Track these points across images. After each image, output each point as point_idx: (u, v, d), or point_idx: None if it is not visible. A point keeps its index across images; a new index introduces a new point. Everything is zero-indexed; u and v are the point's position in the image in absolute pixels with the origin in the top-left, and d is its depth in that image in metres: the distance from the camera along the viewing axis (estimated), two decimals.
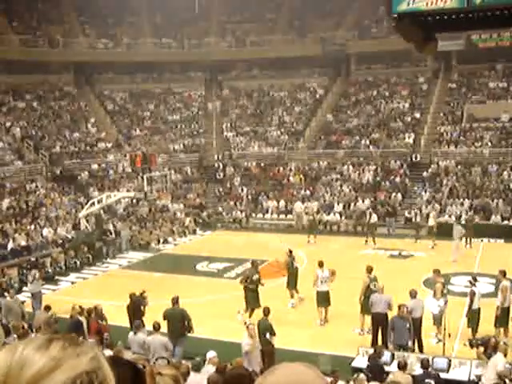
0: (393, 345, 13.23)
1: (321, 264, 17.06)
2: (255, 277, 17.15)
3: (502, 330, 14.51)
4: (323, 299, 16.78)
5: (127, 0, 48.87)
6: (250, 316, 16.31)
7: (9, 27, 42.75)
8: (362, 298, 15.62)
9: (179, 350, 13.47)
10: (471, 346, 12.90)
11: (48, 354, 1.15)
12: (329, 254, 25.73)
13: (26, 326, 13.53)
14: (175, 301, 14.13)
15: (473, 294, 14.65)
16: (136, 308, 15.06)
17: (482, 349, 12.02)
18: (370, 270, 15.92)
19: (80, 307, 14.39)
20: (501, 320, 14.55)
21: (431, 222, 28.05)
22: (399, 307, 13.40)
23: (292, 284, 18.84)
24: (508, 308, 14.58)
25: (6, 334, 12.43)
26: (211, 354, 11.06)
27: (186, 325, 13.91)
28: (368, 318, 15.31)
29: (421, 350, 13.61)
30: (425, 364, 11.04)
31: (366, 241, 28.06)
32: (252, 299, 16.78)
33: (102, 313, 14.42)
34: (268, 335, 12.99)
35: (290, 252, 19.65)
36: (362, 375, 10.66)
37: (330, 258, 24.81)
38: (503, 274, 15.11)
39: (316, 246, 27.45)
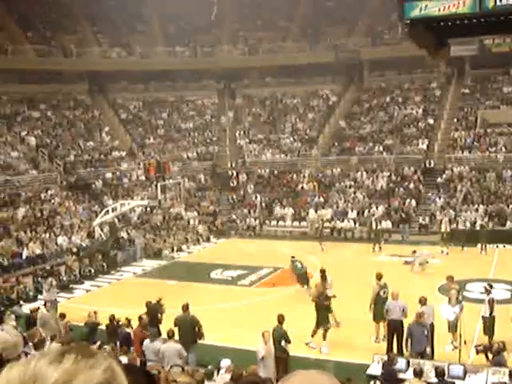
0: (411, 352, 13.11)
1: (323, 272, 17.16)
2: (329, 291, 16.04)
3: None
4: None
5: (140, 9, 49.25)
6: (324, 338, 15.32)
7: (23, 37, 43.15)
8: (373, 305, 15.55)
9: (193, 357, 13.46)
10: (477, 352, 12.81)
11: (61, 368, 1.14)
12: (343, 261, 25.73)
13: (43, 334, 13.55)
14: (185, 307, 14.17)
15: (492, 301, 14.47)
16: (153, 316, 15.06)
17: (490, 355, 11.94)
18: (379, 277, 15.80)
19: (127, 318, 14.15)
20: None
21: (444, 228, 27.95)
22: (419, 314, 13.27)
23: (303, 282, 18.89)
24: None
25: (24, 343, 12.46)
26: (226, 363, 11.03)
27: (197, 331, 13.89)
28: (382, 325, 15.27)
29: (432, 357, 13.47)
30: (440, 372, 10.87)
31: (373, 248, 28.03)
32: (325, 318, 15.37)
33: (146, 323, 14.33)
34: (283, 343, 12.93)
35: (293, 257, 19.84)
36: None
37: (344, 265, 24.84)
38: None
39: (330, 253, 27.36)
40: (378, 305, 15.33)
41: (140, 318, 14.13)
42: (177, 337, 13.43)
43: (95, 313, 14.46)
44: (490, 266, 23.50)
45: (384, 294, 15.32)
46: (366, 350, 14.19)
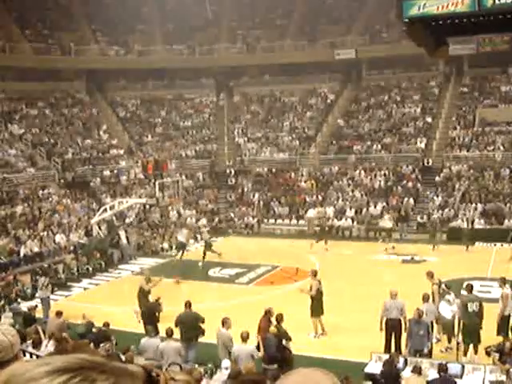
0: (408, 350, 13.08)
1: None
2: None
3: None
4: None
5: (138, 7, 49.19)
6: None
7: (21, 35, 43.06)
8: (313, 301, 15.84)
9: (192, 354, 13.46)
10: (488, 354, 12.67)
11: None
12: (341, 260, 25.73)
13: (40, 331, 13.51)
14: (188, 305, 14.22)
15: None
16: (150, 314, 15.07)
17: (497, 355, 11.86)
18: (315, 273, 16.20)
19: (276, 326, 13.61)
20: (502, 328, 14.24)
21: (388, 224, 28.36)
22: (417, 313, 13.19)
23: None
24: (509, 316, 14.21)
25: (22, 340, 12.45)
26: (227, 364, 11.02)
27: (200, 327, 13.91)
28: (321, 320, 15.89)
29: (430, 355, 13.41)
30: (442, 368, 10.79)
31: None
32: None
33: (272, 315, 13.86)
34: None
35: None
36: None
37: (342, 264, 24.83)
38: (503, 281, 14.95)
39: (328, 252, 27.31)
40: (318, 300, 15.69)
41: (268, 311, 13.96)
42: (176, 334, 13.42)
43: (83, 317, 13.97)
44: (487, 264, 23.50)
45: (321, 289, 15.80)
46: (363, 349, 14.18)
